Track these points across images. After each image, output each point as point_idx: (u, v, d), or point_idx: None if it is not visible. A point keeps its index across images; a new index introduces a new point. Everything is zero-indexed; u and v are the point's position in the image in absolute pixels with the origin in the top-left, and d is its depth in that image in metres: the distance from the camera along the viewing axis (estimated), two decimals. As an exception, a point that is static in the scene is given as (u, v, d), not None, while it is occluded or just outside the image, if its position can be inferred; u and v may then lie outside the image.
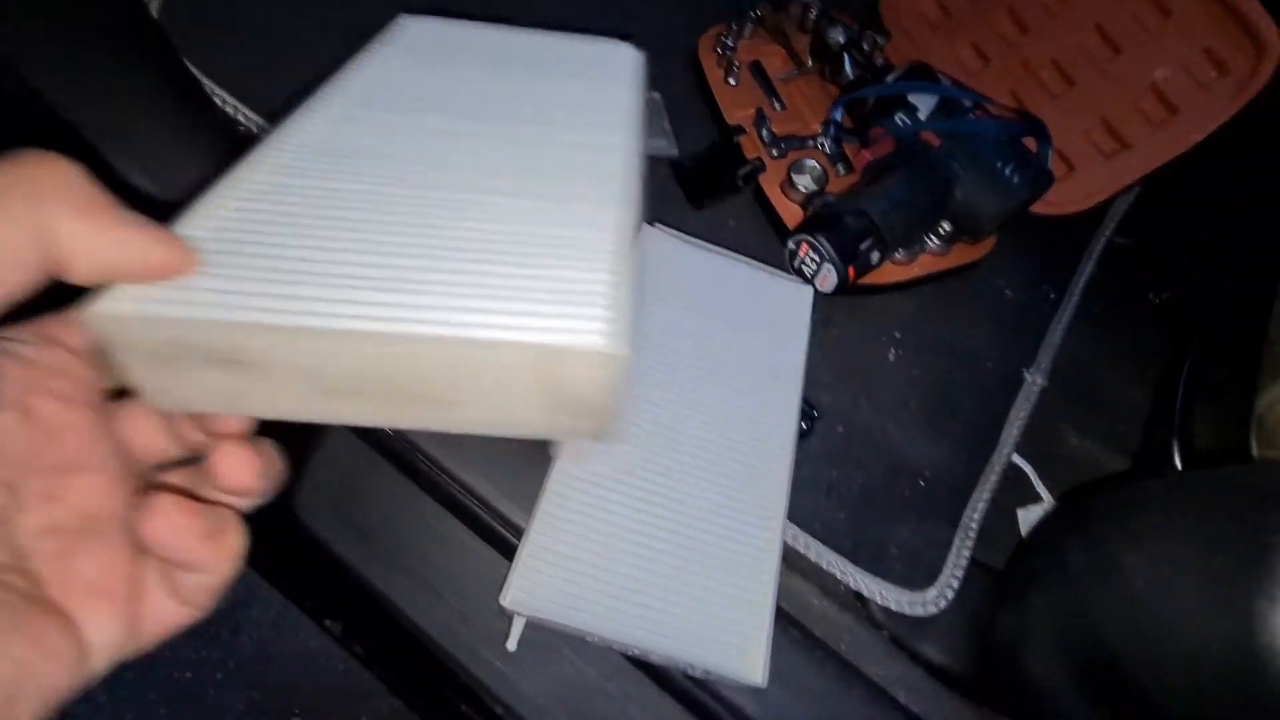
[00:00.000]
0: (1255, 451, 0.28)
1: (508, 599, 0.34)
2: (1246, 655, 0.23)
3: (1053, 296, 0.61)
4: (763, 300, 0.48)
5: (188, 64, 0.46)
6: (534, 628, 0.40)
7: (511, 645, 0.34)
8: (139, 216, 0.19)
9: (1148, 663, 0.26)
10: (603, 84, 0.35)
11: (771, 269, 0.50)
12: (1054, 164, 0.58)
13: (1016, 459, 0.53)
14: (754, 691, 0.38)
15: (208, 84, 0.48)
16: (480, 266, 0.23)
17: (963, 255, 0.57)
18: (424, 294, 0.21)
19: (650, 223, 0.49)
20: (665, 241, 0.48)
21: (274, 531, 0.43)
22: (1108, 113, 0.57)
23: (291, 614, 0.78)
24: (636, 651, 0.36)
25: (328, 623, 0.48)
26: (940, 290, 0.58)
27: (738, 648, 0.35)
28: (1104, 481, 0.51)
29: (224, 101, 0.47)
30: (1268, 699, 0.22)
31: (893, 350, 0.56)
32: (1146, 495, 0.31)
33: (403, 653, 0.43)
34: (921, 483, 0.51)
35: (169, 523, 0.20)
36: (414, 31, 0.37)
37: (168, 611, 0.21)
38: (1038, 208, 0.57)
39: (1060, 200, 0.58)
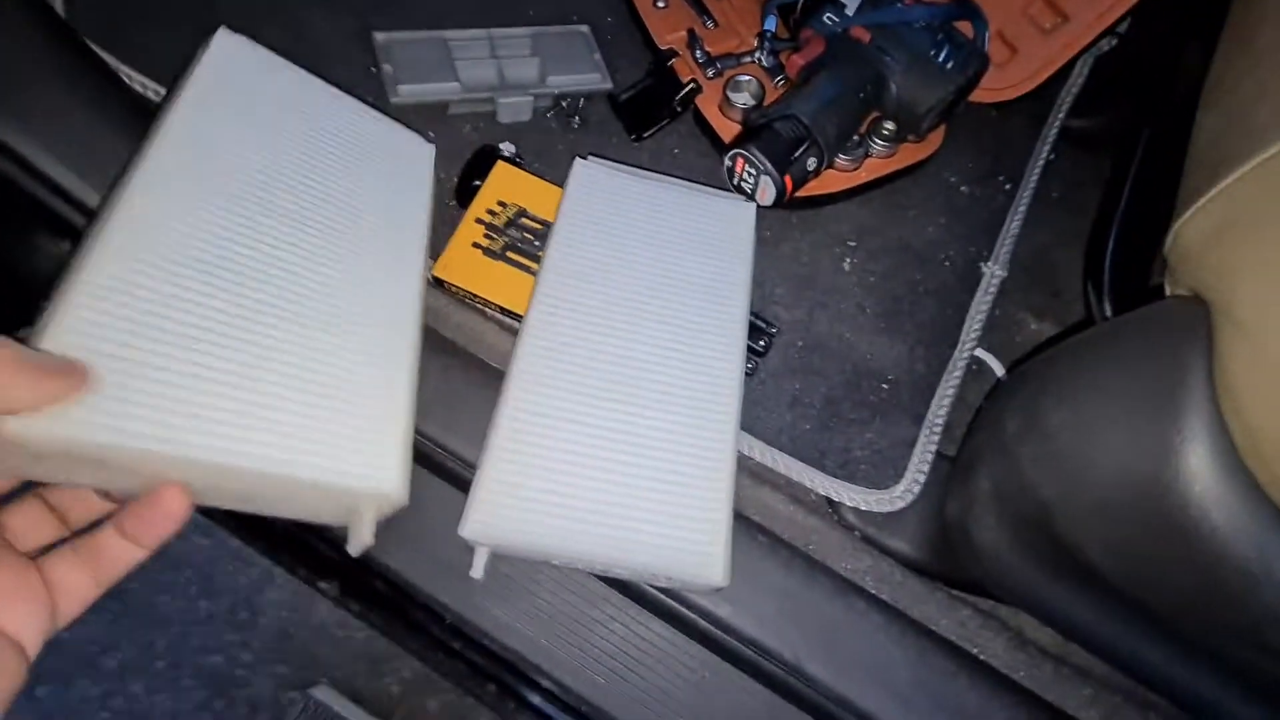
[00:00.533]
0: (1168, 291, 0.28)
1: (466, 530, 0.35)
2: (1154, 484, 0.23)
3: (1008, 187, 0.59)
4: (704, 221, 0.48)
5: (91, 45, 0.45)
6: (509, 561, 0.42)
7: (477, 574, 0.35)
8: (28, 355, 0.24)
9: (1072, 515, 0.27)
10: (403, 183, 0.43)
11: (713, 190, 0.50)
12: (995, 47, 0.56)
13: (980, 352, 0.53)
14: (725, 596, 0.39)
15: (117, 64, 0.47)
16: (299, 406, 0.32)
17: (910, 155, 0.56)
18: (254, 430, 0.30)
19: (584, 156, 0.49)
20: (600, 175, 0.48)
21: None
22: (1044, -15, 0.55)
23: (304, 592, 0.80)
24: (600, 568, 0.37)
25: (322, 584, 0.50)
26: (892, 193, 0.57)
27: (698, 551, 0.36)
28: (1041, 347, 0.50)
29: (131, 79, 0.47)
30: (1174, 524, 0.23)
31: (848, 259, 0.55)
32: (1071, 351, 0.30)
33: (389, 601, 0.45)
34: (885, 386, 0.51)
35: (183, 499, 0.27)
36: (232, 68, 0.39)
37: (84, 591, 0.27)
38: (985, 95, 0.56)
39: (1007, 84, 0.56)
